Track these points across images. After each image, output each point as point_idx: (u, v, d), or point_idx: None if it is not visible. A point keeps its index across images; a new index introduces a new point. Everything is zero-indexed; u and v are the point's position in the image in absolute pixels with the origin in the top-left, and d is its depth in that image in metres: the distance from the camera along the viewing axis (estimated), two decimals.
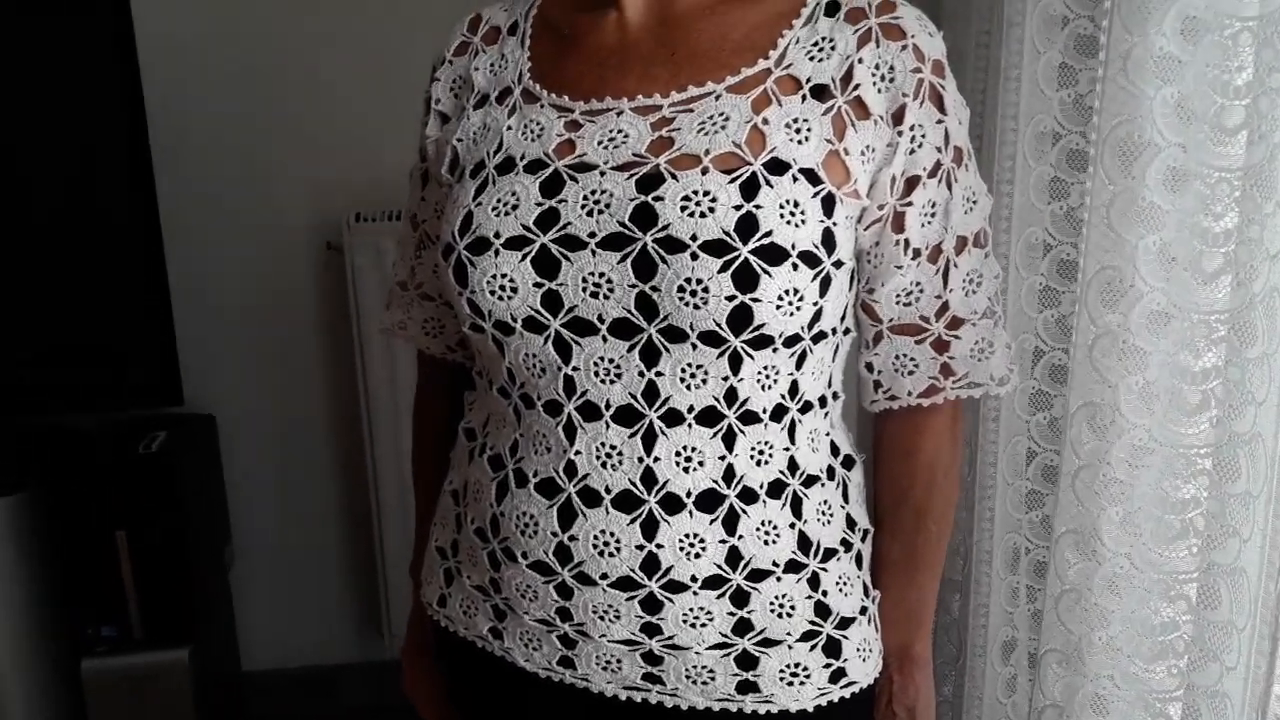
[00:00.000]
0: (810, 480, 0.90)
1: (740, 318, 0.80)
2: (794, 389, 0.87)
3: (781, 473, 0.88)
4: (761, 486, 0.87)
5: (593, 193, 0.83)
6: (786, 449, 0.88)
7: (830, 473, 0.92)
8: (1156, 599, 0.98)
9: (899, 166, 0.86)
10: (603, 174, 0.84)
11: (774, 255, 0.80)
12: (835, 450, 0.93)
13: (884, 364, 0.93)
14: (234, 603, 2.44)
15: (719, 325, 0.80)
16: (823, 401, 0.91)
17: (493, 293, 0.85)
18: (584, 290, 0.83)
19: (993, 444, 1.17)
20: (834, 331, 0.88)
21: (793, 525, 0.88)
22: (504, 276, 0.84)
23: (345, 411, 2.41)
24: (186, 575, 2.06)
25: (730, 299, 0.79)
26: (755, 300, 0.80)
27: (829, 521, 0.91)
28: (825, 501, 0.91)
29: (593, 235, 0.82)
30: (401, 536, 2.32)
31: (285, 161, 2.30)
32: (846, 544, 0.93)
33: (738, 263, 0.79)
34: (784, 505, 0.88)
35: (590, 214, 0.83)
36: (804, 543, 0.89)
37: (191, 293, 2.25)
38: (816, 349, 0.87)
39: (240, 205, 2.30)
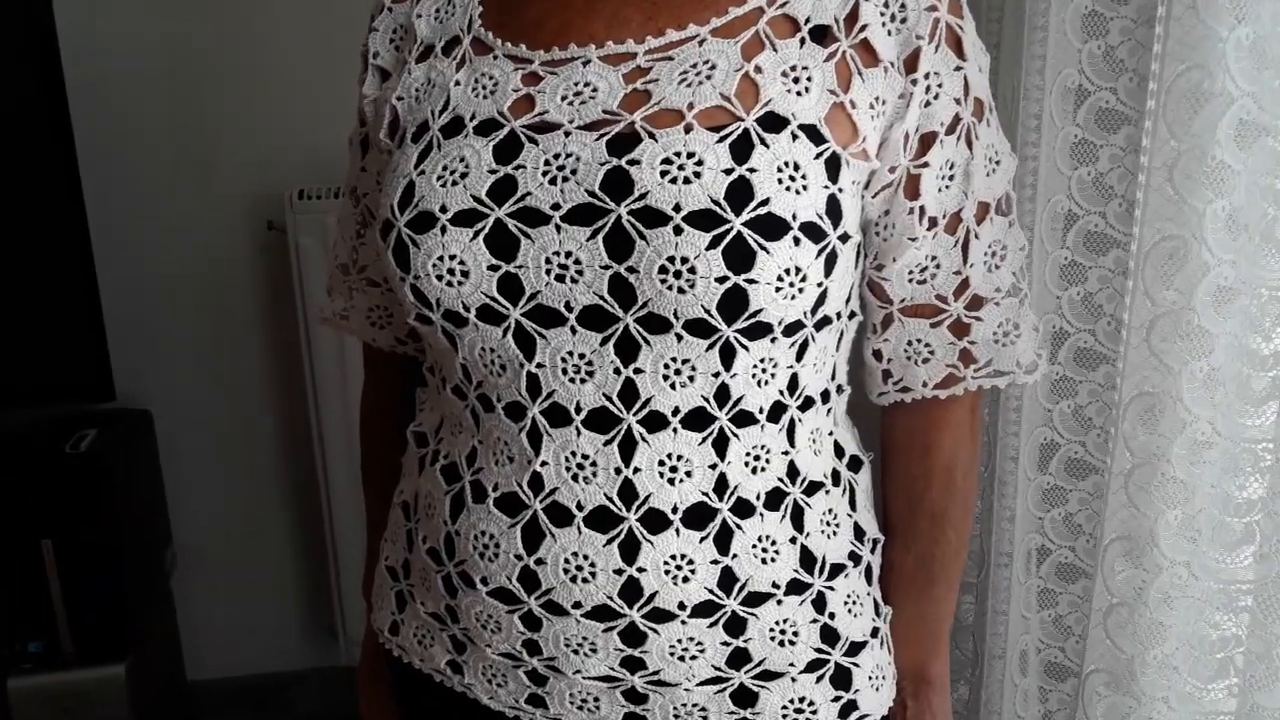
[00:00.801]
0: (813, 487, 0.82)
1: (733, 302, 0.71)
2: (794, 384, 0.78)
3: (780, 480, 0.80)
4: (758, 497, 0.79)
5: (556, 157, 0.74)
6: (785, 453, 0.80)
7: (835, 477, 0.84)
8: (1215, 611, 0.91)
9: (913, 122, 0.77)
10: (567, 135, 0.74)
11: (772, 228, 0.70)
12: (840, 451, 0.86)
13: (895, 351, 0.85)
14: (177, 609, 2.39)
15: (708, 312, 0.71)
16: (825, 396, 0.83)
17: (440, 277, 0.75)
18: (548, 273, 0.73)
19: (1013, 435, 1.10)
20: (839, 316, 0.80)
21: (794, 540, 0.81)
22: (453, 258, 0.75)
23: (291, 402, 2.35)
24: (121, 584, 2.02)
25: (721, 280, 0.70)
26: (751, 281, 0.70)
27: (835, 533, 0.83)
28: (830, 510, 0.83)
29: (556, 207, 0.73)
30: (355, 534, 2.28)
31: (221, 134, 2.21)
32: (855, 557, 0.85)
33: (729, 237, 0.69)
34: (784, 517, 0.80)
35: (553, 182, 0.73)
36: (807, 559, 0.81)
37: (122, 279, 2.18)
38: (819, 337, 0.78)
39: (173, 182, 2.22)
